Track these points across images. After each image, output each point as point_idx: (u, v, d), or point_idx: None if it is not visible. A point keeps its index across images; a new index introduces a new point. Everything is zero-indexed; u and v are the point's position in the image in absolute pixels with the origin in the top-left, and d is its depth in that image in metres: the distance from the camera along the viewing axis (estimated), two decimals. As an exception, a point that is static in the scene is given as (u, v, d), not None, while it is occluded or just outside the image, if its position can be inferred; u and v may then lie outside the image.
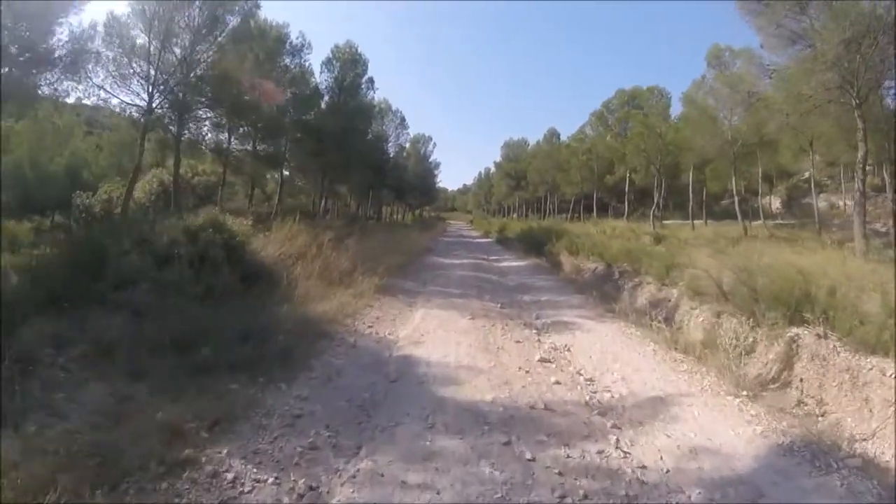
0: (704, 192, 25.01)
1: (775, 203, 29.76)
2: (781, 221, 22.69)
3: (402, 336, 5.44)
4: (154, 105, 11.99)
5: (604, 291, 8.26)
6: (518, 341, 5.33)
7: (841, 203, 25.88)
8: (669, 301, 7.69)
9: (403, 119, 31.00)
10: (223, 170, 17.06)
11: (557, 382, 4.08)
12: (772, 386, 4.62)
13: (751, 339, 5.06)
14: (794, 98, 11.64)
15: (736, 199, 17.88)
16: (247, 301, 6.39)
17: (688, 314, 7.04)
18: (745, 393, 4.17)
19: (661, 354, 5.02)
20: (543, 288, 9.35)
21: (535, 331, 5.94)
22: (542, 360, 4.64)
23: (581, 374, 4.38)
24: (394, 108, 30.25)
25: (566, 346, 5.28)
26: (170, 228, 7.55)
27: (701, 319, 6.64)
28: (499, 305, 7.42)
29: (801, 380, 4.39)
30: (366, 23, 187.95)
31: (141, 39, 11.66)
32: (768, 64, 13.72)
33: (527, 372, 4.30)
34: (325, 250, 7.66)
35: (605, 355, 4.91)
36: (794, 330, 4.80)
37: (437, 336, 5.41)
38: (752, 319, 5.37)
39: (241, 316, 5.26)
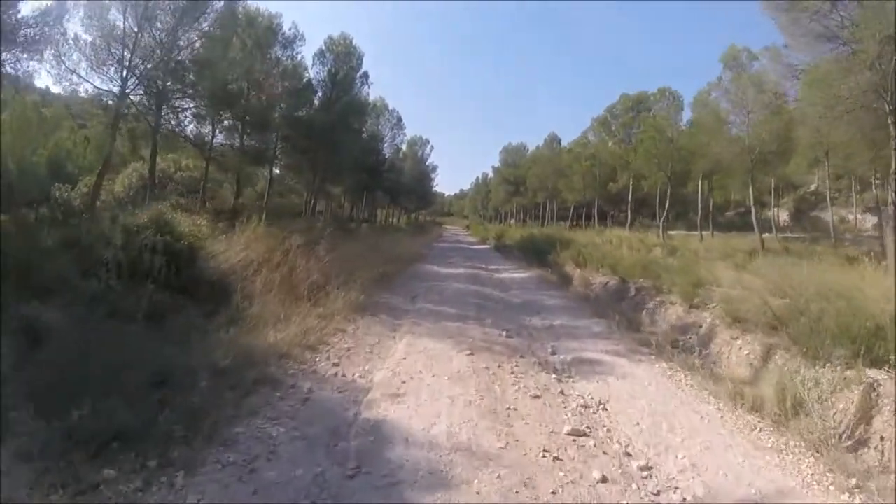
0: (711, 203, 23.99)
1: (783, 215, 28.99)
2: (791, 234, 21.96)
3: (376, 381, 4.07)
4: (127, 90, 10.94)
5: (627, 315, 6.96)
6: (535, 395, 3.91)
7: (850, 216, 25.11)
8: (701, 327, 6.67)
9: (400, 119, 29.85)
10: (206, 165, 15.77)
11: (604, 480, 2.71)
12: (844, 444, 3.48)
13: (836, 390, 3.90)
14: (831, 99, 10.61)
15: (753, 209, 16.82)
16: (188, 319, 5.11)
17: (727, 345, 5.99)
18: (853, 482, 2.95)
19: (729, 418, 3.66)
20: (554, 308, 7.98)
21: (554, 375, 4.54)
22: (574, 433, 3.23)
23: (631, 457, 3.02)
24: (390, 107, 29.08)
25: (600, 402, 3.89)
26: (106, 228, 6.30)
27: (746, 353, 5.60)
28: (504, 333, 6.05)
29: (882, 438, 3.40)
30: (356, 23, 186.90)
31: (117, 20, 10.72)
32: (796, 64, 12.77)
33: (555, 458, 2.91)
34: (292, 257, 6.30)
35: (656, 419, 3.51)
36: (872, 374, 3.81)
37: (423, 385, 4.03)
38: (815, 358, 4.24)
39: (165, 346, 3.95)
